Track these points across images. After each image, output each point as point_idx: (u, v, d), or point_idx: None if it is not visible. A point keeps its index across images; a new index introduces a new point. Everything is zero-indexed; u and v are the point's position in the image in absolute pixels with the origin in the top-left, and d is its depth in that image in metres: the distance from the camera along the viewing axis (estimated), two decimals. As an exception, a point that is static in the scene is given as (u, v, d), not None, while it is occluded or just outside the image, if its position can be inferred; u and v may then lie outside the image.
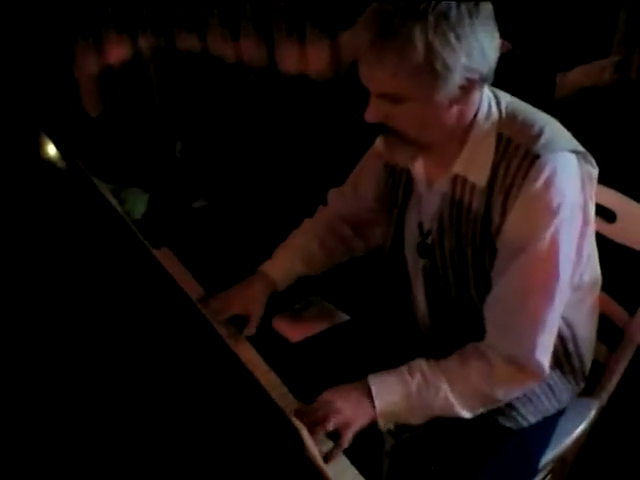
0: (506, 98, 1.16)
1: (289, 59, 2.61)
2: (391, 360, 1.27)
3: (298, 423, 1.03)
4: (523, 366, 1.13)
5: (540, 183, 1.05)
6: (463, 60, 1.00)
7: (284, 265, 1.43)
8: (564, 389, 1.31)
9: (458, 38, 0.98)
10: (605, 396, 1.43)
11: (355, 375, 1.17)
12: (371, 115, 1.10)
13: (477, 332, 1.18)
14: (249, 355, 1.25)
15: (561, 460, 1.43)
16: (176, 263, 1.47)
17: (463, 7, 0.99)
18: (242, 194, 2.71)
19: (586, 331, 1.30)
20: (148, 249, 1.37)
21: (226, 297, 1.36)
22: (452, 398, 1.13)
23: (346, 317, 1.52)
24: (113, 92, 2.51)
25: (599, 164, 1.14)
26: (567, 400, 1.33)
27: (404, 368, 1.16)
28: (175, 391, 1.05)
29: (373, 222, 1.46)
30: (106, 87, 2.49)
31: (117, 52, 2.40)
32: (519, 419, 1.25)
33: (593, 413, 1.41)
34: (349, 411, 1.10)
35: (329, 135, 2.70)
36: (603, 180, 1.15)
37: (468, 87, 1.04)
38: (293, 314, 1.53)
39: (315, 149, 2.72)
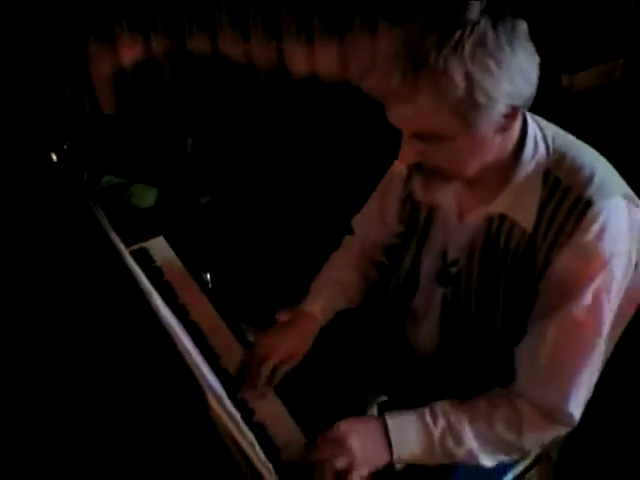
0: (551, 130, 1.09)
1: (299, 60, 2.65)
2: (383, 378, 1.28)
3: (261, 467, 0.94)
4: (554, 417, 1.08)
5: (592, 234, 0.99)
6: (506, 87, 0.91)
7: (328, 305, 1.34)
8: None
9: (499, 64, 0.90)
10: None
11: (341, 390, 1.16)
12: (407, 157, 1.03)
13: (486, 362, 1.18)
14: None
15: (545, 456, 1.46)
16: (169, 254, 1.46)
17: (500, 30, 0.90)
18: (247, 191, 2.76)
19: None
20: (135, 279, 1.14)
21: (276, 342, 1.24)
22: (476, 449, 1.06)
23: None
24: (127, 91, 2.59)
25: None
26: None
27: (426, 412, 1.08)
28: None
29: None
30: (120, 87, 2.56)
31: (131, 53, 2.47)
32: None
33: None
34: (361, 452, 1.02)
35: (335, 136, 2.74)
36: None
37: (512, 114, 0.96)
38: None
39: (321, 150, 2.76)
